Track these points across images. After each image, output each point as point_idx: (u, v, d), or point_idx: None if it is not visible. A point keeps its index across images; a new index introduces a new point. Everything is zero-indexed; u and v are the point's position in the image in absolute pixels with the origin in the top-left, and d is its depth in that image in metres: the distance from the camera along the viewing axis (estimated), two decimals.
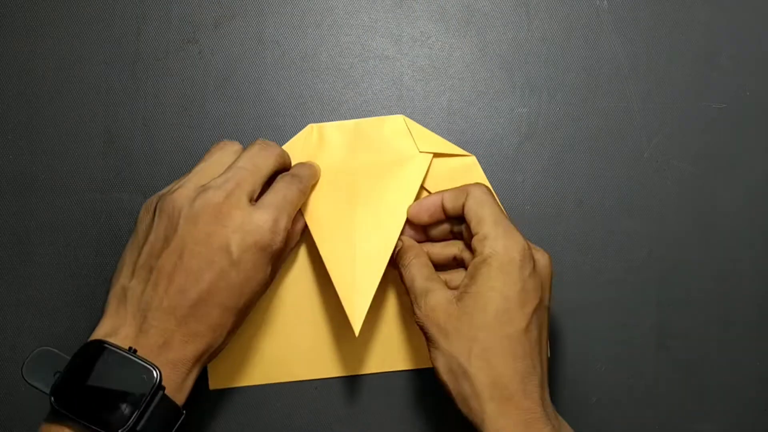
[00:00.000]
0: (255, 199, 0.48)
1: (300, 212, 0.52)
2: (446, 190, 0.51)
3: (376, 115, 0.57)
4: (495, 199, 0.49)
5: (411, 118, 0.56)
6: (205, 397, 0.55)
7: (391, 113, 0.57)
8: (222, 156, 0.49)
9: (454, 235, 0.52)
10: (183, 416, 0.45)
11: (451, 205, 0.50)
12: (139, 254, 0.47)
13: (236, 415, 0.55)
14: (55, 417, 0.44)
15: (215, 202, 0.46)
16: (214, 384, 0.55)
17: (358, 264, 0.51)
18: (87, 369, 0.44)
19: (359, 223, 0.52)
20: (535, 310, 0.46)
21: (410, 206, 0.52)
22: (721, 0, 0.58)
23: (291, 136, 0.56)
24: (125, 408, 0.43)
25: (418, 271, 0.50)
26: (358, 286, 0.50)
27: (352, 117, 0.57)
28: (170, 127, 0.56)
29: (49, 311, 0.55)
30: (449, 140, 0.56)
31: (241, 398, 0.55)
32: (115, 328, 0.45)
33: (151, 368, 0.43)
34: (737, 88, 0.57)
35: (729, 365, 0.56)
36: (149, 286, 0.45)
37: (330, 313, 0.55)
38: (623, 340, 0.56)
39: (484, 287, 0.46)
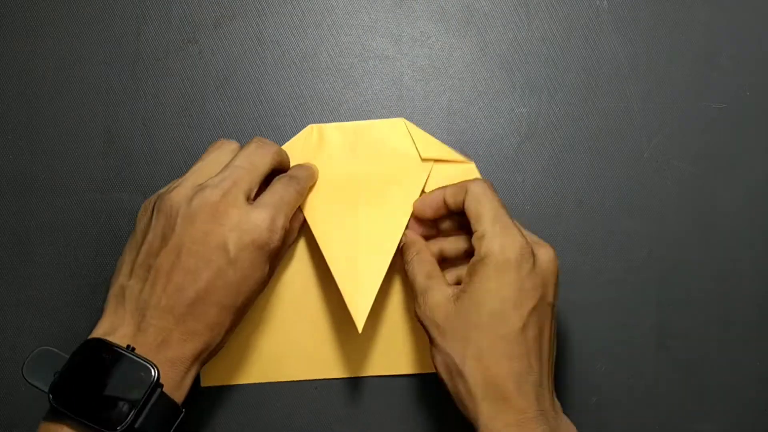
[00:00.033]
0: (252, 197, 0.48)
1: (296, 211, 0.52)
2: (447, 186, 0.51)
3: (376, 115, 0.57)
4: (494, 195, 0.49)
5: (411, 118, 0.56)
6: (205, 397, 0.55)
7: (391, 113, 0.57)
8: (219, 155, 0.49)
9: (464, 229, 0.52)
10: (182, 414, 0.45)
11: (452, 200, 0.50)
12: (138, 253, 0.47)
13: (236, 414, 0.55)
14: (54, 415, 0.44)
15: (212, 200, 0.46)
16: (206, 381, 0.55)
17: (361, 261, 0.51)
18: (85, 367, 0.44)
19: (362, 223, 0.52)
20: (534, 309, 0.46)
21: (415, 201, 0.52)
22: (721, 0, 0.58)
23: (291, 136, 0.56)
24: (123, 406, 0.43)
25: (420, 268, 0.50)
26: (361, 283, 0.50)
27: (352, 117, 0.57)
28: (170, 127, 0.56)
29: (49, 311, 0.55)
30: (449, 140, 0.56)
31: (241, 398, 0.55)
32: (114, 327, 0.46)
33: (149, 366, 0.43)
34: (737, 88, 0.57)
35: (729, 365, 0.56)
36: (147, 285, 0.46)
37: (330, 313, 0.55)
38: (623, 340, 0.56)
39: (480, 288, 0.46)
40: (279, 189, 0.49)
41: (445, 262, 0.52)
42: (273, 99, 0.57)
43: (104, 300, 0.48)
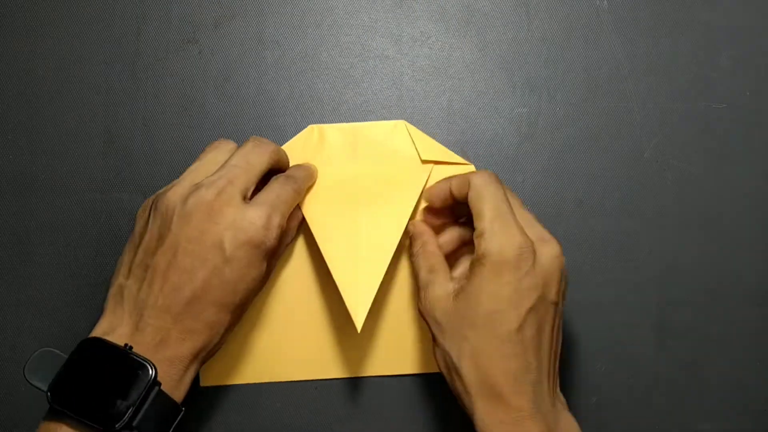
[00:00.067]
0: (249, 196, 0.48)
1: (295, 210, 0.52)
2: (453, 177, 0.50)
3: (376, 115, 0.57)
4: (497, 188, 0.48)
5: (411, 118, 0.56)
6: (204, 397, 0.55)
7: (391, 113, 0.57)
8: (216, 155, 0.50)
9: None
10: (182, 413, 0.45)
11: (457, 193, 0.50)
12: (135, 253, 0.47)
13: (235, 414, 0.55)
14: (53, 415, 0.44)
15: (207, 199, 0.46)
16: (205, 381, 0.55)
17: (360, 261, 0.51)
18: (83, 366, 0.44)
19: (362, 224, 0.52)
20: (531, 308, 0.45)
21: (425, 190, 0.53)
22: (721, 0, 0.58)
23: (291, 136, 0.56)
24: (121, 404, 0.43)
25: (423, 262, 0.50)
26: (360, 283, 0.50)
27: (352, 117, 0.57)
28: (170, 127, 0.56)
29: (49, 311, 0.55)
30: (449, 140, 0.56)
31: (241, 398, 0.55)
32: (113, 327, 0.46)
33: (146, 364, 0.44)
34: (737, 88, 0.57)
35: (729, 365, 0.56)
36: (145, 285, 0.46)
37: (329, 313, 0.55)
38: (623, 340, 0.56)
39: (477, 287, 0.46)
40: (276, 188, 0.49)
41: (465, 247, 0.52)
42: (273, 99, 0.57)
43: (104, 300, 0.48)
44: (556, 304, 0.46)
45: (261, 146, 0.50)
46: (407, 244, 0.55)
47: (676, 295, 0.56)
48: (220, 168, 0.48)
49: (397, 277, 0.55)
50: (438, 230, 0.53)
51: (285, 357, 0.55)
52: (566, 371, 0.56)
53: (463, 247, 0.52)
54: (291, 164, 0.54)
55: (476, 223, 0.47)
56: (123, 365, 0.44)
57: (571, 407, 0.48)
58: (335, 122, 0.56)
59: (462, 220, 0.53)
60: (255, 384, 0.55)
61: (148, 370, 0.43)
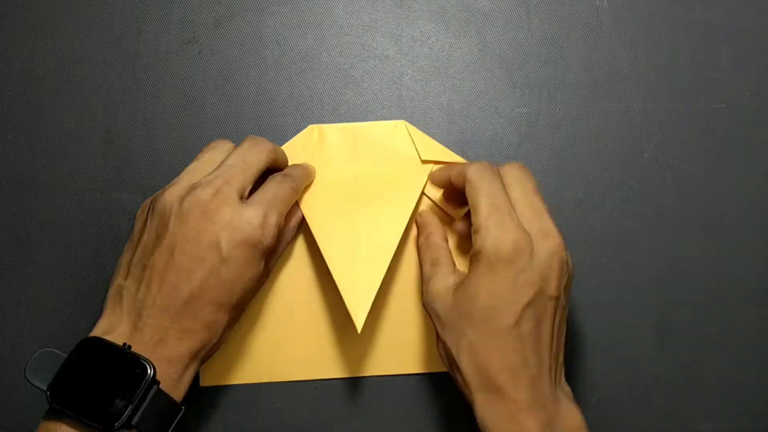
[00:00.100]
0: (246, 196, 0.48)
1: (293, 208, 0.52)
2: (453, 167, 0.51)
3: (376, 115, 0.57)
4: (492, 181, 0.47)
5: (411, 118, 0.56)
6: (204, 397, 0.55)
7: (391, 113, 0.57)
8: (214, 155, 0.50)
9: None
10: (182, 412, 0.46)
11: (456, 183, 0.50)
12: (134, 254, 0.47)
13: (235, 414, 0.55)
14: (52, 414, 0.44)
15: (203, 199, 0.46)
16: (205, 381, 0.55)
17: (360, 261, 0.51)
18: (82, 365, 0.44)
19: (362, 223, 0.52)
20: (529, 304, 0.45)
21: (430, 174, 0.54)
22: (721, 0, 0.58)
23: (291, 136, 0.56)
24: (120, 403, 0.43)
25: (427, 255, 0.51)
26: (360, 283, 0.50)
27: (352, 117, 0.57)
28: (170, 127, 0.56)
29: (49, 311, 0.55)
30: (449, 140, 0.56)
31: (241, 398, 0.55)
32: (112, 327, 0.46)
33: (144, 363, 0.44)
34: (737, 88, 0.57)
35: (729, 365, 0.56)
36: (143, 285, 0.46)
37: (329, 313, 0.55)
38: (623, 340, 0.56)
39: (474, 283, 0.46)
40: (273, 187, 0.49)
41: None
42: (273, 99, 0.57)
43: (104, 300, 0.48)
44: (556, 298, 0.46)
45: (258, 145, 0.50)
46: (408, 242, 0.55)
47: (676, 295, 0.56)
48: (217, 168, 0.48)
49: (397, 277, 0.55)
50: (458, 212, 0.53)
51: (285, 357, 0.55)
52: (566, 371, 0.55)
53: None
54: (290, 164, 0.54)
55: (473, 218, 0.47)
56: (121, 364, 0.44)
57: None
58: (335, 122, 0.56)
59: None
60: (255, 384, 0.55)
61: (146, 369, 0.44)
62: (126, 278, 0.47)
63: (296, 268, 0.55)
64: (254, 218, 0.46)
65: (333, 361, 0.55)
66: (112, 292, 0.47)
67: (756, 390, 0.56)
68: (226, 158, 0.49)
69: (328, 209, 0.53)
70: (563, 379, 0.48)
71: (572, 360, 0.56)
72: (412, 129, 0.56)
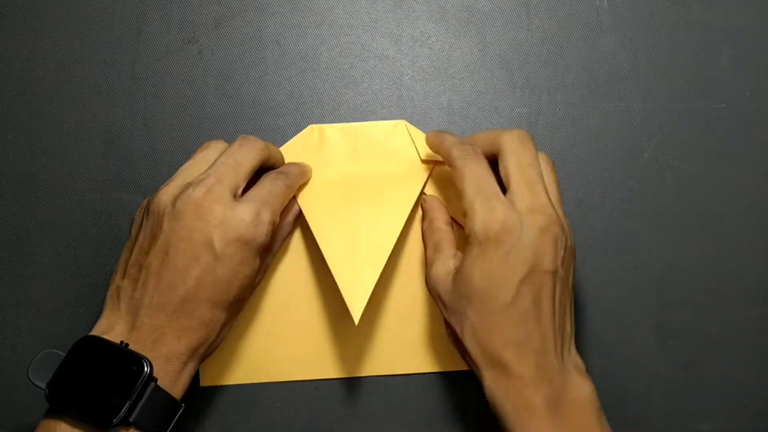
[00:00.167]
0: (240, 194, 0.48)
1: (290, 203, 0.52)
2: (444, 142, 0.50)
3: (376, 115, 0.57)
4: (476, 164, 0.47)
5: (411, 118, 0.56)
6: (203, 397, 0.55)
7: (391, 113, 0.57)
8: (207, 154, 0.50)
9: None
10: (182, 409, 0.46)
11: (446, 163, 0.50)
12: (131, 254, 0.48)
13: (235, 414, 0.55)
14: (52, 411, 0.44)
15: (196, 198, 0.46)
16: (205, 381, 0.55)
17: (359, 257, 0.51)
18: (80, 363, 0.45)
19: (361, 222, 0.52)
20: (524, 280, 0.45)
21: (426, 137, 0.53)
22: (721, 0, 0.58)
23: (291, 136, 0.56)
24: (117, 399, 0.43)
25: (430, 239, 0.51)
26: (358, 275, 0.50)
27: (352, 117, 0.57)
28: (170, 127, 0.56)
29: (49, 311, 0.55)
30: None
31: (240, 398, 0.55)
32: (111, 326, 0.46)
33: (141, 360, 0.44)
34: (737, 88, 0.57)
35: (729, 365, 0.56)
36: (140, 285, 0.46)
37: (329, 314, 0.55)
38: (623, 340, 0.56)
39: (468, 266, 0.46)
40: (266, 184, 0.49)
41: None
42: (273, 99, 0.57)
43: (103, 300, 0.48)
44: (553, 272, 0.46)
45: (249, 144, 0.50)
46: (408, 242, 0.55)
47: (676, 295, 0.56)
48: (209, 167, 0.48)
49: (397, 277, 0.55)
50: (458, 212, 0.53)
51: (284, 357, 0.55)
52: None
53: None
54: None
55: (461, 202, 0.47)
56: (119, 362, 0.44)
57: None
58: (335, 122, 0.56)
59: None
60: (254, 384, 0.55)
61: (143, 366, 0.44)
62: (123, 278, 0.47)
63: (295, 269, 0.55)
64: (247, 215, 0.46)
65: (333, 362, 0.55)
66: (110, 292, 0.48)
67: (756, 390, 0.56)
68: (218, 157, 0.49)
69: (328, 208, 0.53)
70: (573, 350, 0.47)
71: None
72: (412, 129, 0.56)
